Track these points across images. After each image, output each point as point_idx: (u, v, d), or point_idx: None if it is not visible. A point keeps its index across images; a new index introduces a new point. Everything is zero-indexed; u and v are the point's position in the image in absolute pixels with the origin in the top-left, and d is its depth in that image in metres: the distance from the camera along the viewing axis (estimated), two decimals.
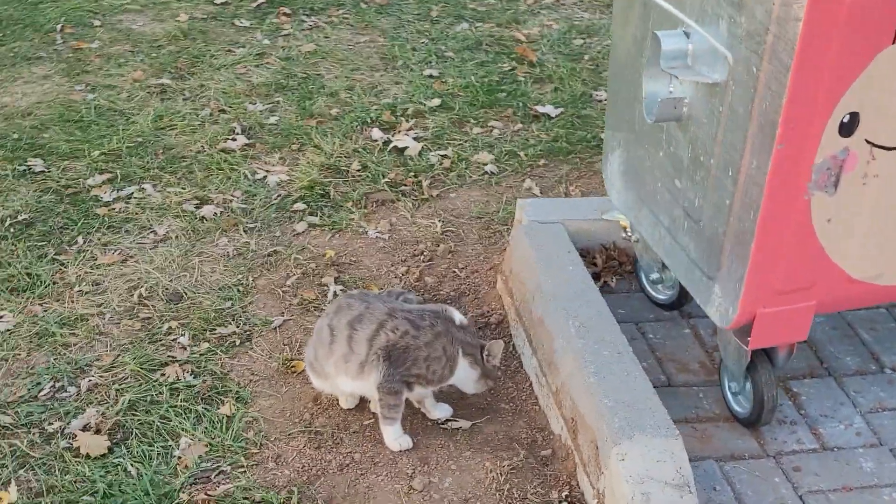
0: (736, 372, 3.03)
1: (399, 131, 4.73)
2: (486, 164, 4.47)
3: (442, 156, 4.54)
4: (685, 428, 3.06)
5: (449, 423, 3.15)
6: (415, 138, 4.67)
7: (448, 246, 3.96)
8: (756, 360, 2.97)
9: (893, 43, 2.49)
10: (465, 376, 3.11)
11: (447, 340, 3.01)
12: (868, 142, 2.62)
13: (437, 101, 4.98)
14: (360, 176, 4.40)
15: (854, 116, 2.56)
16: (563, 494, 2.88)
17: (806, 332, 2.90)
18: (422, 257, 3.90)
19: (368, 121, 4.82)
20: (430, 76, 5.27)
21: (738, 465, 2.94)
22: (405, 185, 4.34)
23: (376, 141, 4.66)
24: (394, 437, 3.03)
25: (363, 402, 3.17)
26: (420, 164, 4.47)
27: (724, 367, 3.09)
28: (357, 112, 4.88)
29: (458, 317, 3.08)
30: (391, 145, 4.62)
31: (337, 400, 3.19)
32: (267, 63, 5.43)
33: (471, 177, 4.42)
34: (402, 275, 3.81)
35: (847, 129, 2.57)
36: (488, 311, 3.60)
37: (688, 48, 2.84)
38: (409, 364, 2.95)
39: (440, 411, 3.17)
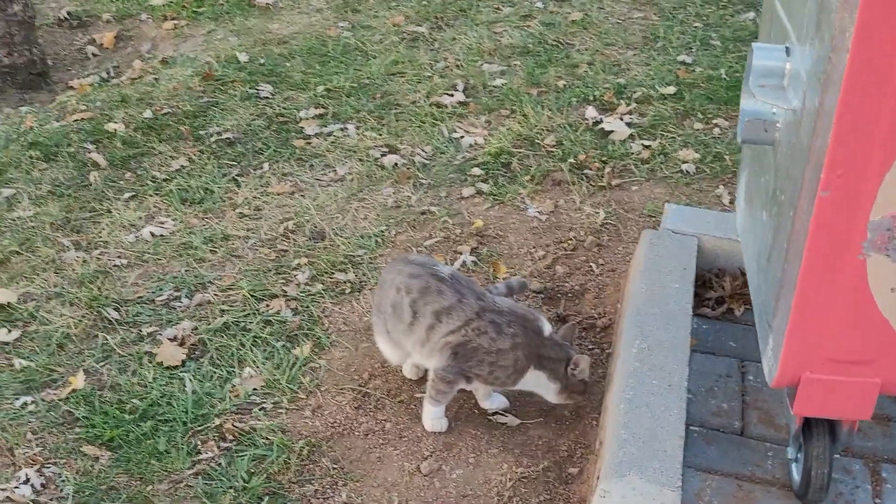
0: (791, 437, 2.69)
1: (615, 114, 4.54)
2: (685, 163, 4.20)
3: (645, 146, 4.32)
4: (730, 484, 2.77)
5: (497, 416, 3.05)
6: (627, 123, 4.47)
7: (598, 239, 3.78)
8: (814, 430, 2.61)
9: None
10: (543, 388, 2.99)
11: (522, 353, 2.90)
12: None
13: (671, 90, 4.72)
14: (551, 152, 4.28)
15: None
16: None
17: (869, 411, 2.51)
18: (566, 245, 3.76)
19: (591, 98, 4.67)
20: (682, 62, 4.99)
21: None
22: (590, 169, 4.18)
23: (587, 120, 4.50)
24: (432, 417, 3.00)
25: (426, 376, 3.13)
26: (618, 151, 4.28)
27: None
28: (583, 87, 4.73)
29: (546, 328, 2.96)
30: (599, 126, 4.44)
31: (399, 368, 3.16)
32: (526, 26, 5.39)
33: (664, 172, 4.17)
34: (539, 259, 3.70)
35: None
36: (600, 314, 3.43)
37: (785, 66, 2.51)
38: (474, 363, 2.88)
39: (493, 402, 3.08)
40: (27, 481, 2.77)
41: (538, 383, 2.96)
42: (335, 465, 2.87)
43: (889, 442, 2.90)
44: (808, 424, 2.62)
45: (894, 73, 2.05)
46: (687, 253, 3.30)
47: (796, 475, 2.73)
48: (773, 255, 2.53)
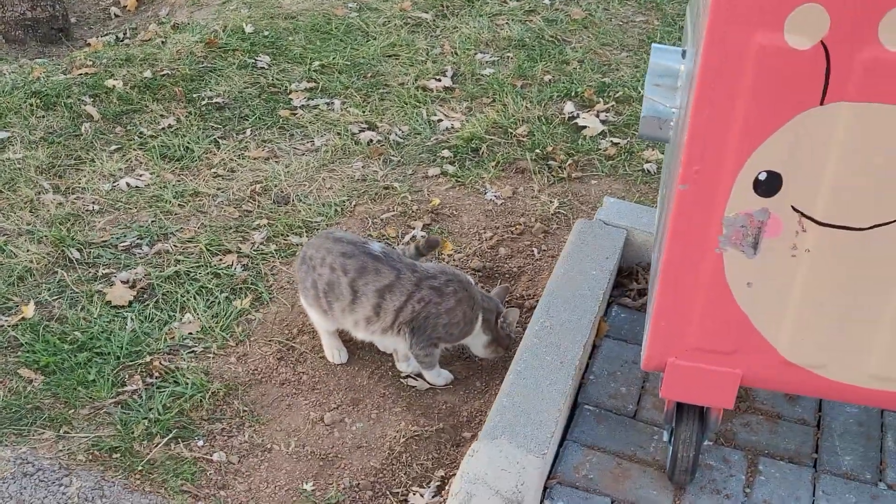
0: (664, 420, 2.84)
1: (592, 111, 4.68)
2: (647, 162, 4.33)
3: (613, 143, 4.46)
4: (610, 460, 2.93)
5: (408, 380, 3.22)
6: (602, 121, 4.61)
7: (545, 226, 3.94)
8: (684, 415, 2.76)
9: (821, 104, 2.19)
10: (476, 339, 3.19)
11: (468, 305, 3.10)
12: (795, 209, 2.34)
13: None
14: (521, 141, 4.44)
15: (773, 176, 2.31)
16: (444, 475, 2.88)
17: (731, 400, 2.65)
18: (514, 229, 3.92)
19: (572, 94, 4.81)
20: None
21: None
22: (554, 160, 4.33)
23: (564, 114, 4.65)
24: (434, 377, 3.21)
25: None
26: (586, 146, 4.43)
27: None
28: (567, 83, 4.88)
29: (472, 282, 3.17)
30: (574, 121, 4.59)
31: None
32: (528, 20, 5.54)
33: (625, 170, 4.31)
34: (485, 239, 3.86)
35: (765, 187, 2.33)
36: (530, 296, 3.58)
37: (679, 68, 2.66)
38: (431, 330, 3.07)
39: (406, 366, 3.25)
40: None
41: (475, 334, 3.15)
42: (245, 408, 3.07)
43: (773, 438, 3.02)
44: (680, 409, 2.76)
45: (743, 76, 2.19)
46: (612, 243, 3.44)
47: (668, 457, 2.87)
48: (656, 246, 2.68)
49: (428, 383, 3.18)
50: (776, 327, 2.50)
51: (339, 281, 3.02)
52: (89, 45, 5.32)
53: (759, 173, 2.30)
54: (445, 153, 4.34)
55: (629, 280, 3.54)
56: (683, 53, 2.67)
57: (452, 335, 3.08)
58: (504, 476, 2.61)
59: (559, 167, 4.27)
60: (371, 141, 4.40)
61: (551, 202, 4.06)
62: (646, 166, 4.31)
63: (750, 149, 2.28)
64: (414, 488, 2.84)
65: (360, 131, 4.47)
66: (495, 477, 2.61)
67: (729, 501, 2.83)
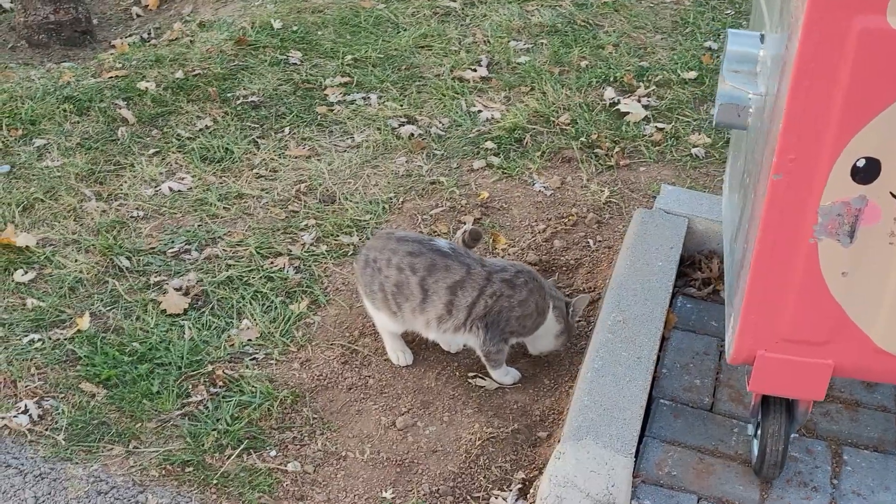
0: (751, 414, 2.77)
1: (633, 96, 4.61)
2: (695, 147, 4.26)
3: (658, 128, 4.39)
4: (691, 456, 2.86)
5: (476, 380, 3.16)
6: (644, 106, 4.54)
7: (599, 216, 3.87)
8: (771, 407, 2.70)
9: None
10: (547, 330, 3.12)
11: (539, 296, 3.05)
12: (895, 196, 2.27)
13: (693, 74, 4.78)
14: (564, 130, 4.37)
15: (872, 163, 2.23)
16: (524, 477, 2.82)
17: (821, 392, 2.59)
18: (567, 220, 3.86)
19: (611, 79, 4.74)
20: (708, 48, 5.04)
21: None
22: (600, 148, 4.26)
23: (605, 100, 4.58)
24: (502, 375, 3.15)
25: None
26: (631, 132, 4.36)
27: None
28: (605, 69, 4.81)
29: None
30: (615, 107, 4.52)
31: None
32: (558, 5, 5.46)
33: (673, 155, 4.24)
34: (539, 232, 3.80)
35: (863, 174, 2.25)
36: (591, 288, 3.52)
37: (758, 53, 2.59)
38: (504, 324, 3.01)
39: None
40: (26, 411, 2.95)
41: (549, 325, 3.09)
42: (315, 415, 3.01)
43: (855, 427, 2.96)
44: (766, 402, 2.70)
45: (843, 61, 2.12)
46: (675, 233, 3.37)
47: (756, 451, 2.81)
48: (738, 236, 2.61)
49: (496, 382, 3.12)
50: (871, 316, 2.43)
51: (409, 281, 2.96)
52: (114, 46, 5.25)
53: (858, 160, 2.23)
54: (489, 144, 4.27)
55: (691, 269, 3.47)
56: (762, 38, 2.59)
57: (525, 327, 3.02)
58: (593, 478, 2.56)
59: (606, 155, 4.21)
60: (412, 135, 4.33)
61: (602, 191, 3.99)
62: (693, 151, 4.24)
63: (848, 135, 2.21)
64: (495, 492, 2.78)
65: (400, 125, 4.40)
66: (584, 479, 2.55)
67: (818, 494, 2.77)
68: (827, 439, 2.94)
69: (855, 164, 2.24)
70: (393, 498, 2.76)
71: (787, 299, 2.43)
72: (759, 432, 2.76)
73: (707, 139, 4.31)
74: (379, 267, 3.02)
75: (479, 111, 4.51)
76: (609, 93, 4.61)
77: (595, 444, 2.63)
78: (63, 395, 3.04)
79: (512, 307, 2.98)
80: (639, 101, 4.57)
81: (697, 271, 3.44)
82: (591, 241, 3.74)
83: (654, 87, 4.68)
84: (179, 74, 4.70)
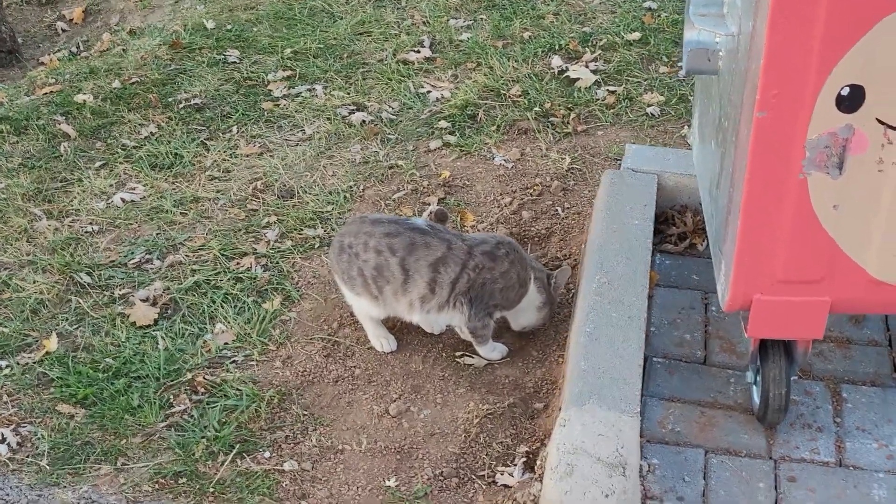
0: (749, 361, 2.73)
1: (580, 62, 4.56)
2: (650, 106, 4.23)
3: (610, 91, 4.35)
4: (692, 410, 2.83)
5: (464, 358, 3.09)
6: (593, 71, 4.50)
7: (563, 184, 3.82)
8: (770, 351, 2.66)
9: None
10: (529, 303, 3.05)
11: (521, 267, 2.99)
12: (881, 122, 2.24)
13: (636, 35, 4.75)
14: (516, 102, 4.31)
15: (856, 90, 2.21)
16: (527, 450, 2.76)
17: (820, 330, 2.56)
18: (532, 191, 3.80)
19: (556, 48, 4.69)
20: (647, 8, 5.01)
21: (727, 461, 2.68)
22: (555, 117, 4.21)
23: (553, 69, 4.53)
24: (489, 351, 3.08)
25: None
26: (583, 98, 4.31)
27: None
28: (548, 38, 4.76)
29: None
30: (565, 75, 4.47)
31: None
32: None
33: (629, 116, 4.20)
34: (505, 205, 3.73)
35: (848, 103, 2.22)
36: (566, 256, 3.47)
37: None
38: (488, 298, 2.94)
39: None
40: (3, 440, 2.82)
41: (531, 297, 3.03)
42: (305, 412, 2.92)
43: (849, 364, 2.95)
44: (764, 347, 2.66)
45: None
46: (647, 190, 3.33)
47: (756, 398, 2.78)
48: (721, 182, 2.57)
49: (484, 359, 3.05)
50: (865, 247, 2.41)
51: (388, 262, 2.88)
52: (43, 63, 5.09)
53: (842, 89, 2.21)
54: (443, 124, 4.20)
55: (666, 226, 3.44)
56: None
57: (509, 299, 2.96)
58: (602, 441, 2.51)
59: (562, 123, 4.16)
60: (364, 122, 4.25)
61: (563, 159, 3.95)
62: (648, 110, 4.22)
63: (830, 64, 2.18)
64: (499, 468, 2.72)
65: (350, 113, 4.32)
66: (593, 444, 2.50)
67: (823, 434, 2.75)
68: (824, 379, 2.92)
69: (839, 93, 2.21)
70: (397, 485, 2.69)
71: (780, 239, 2.40)
72: (758, 379, 2.73)
73: (660, 97, 4.29)
74: (356, 252, 2.94)
75: (428, 92, 4.44)
76: (556, 61, 4.57)
77: (599, 407, 2.58)
78: (40, 419, 2.92)
79: (495, 279, 2.92)
80: (587, 66, 4.53)
81: (672, 227, 3.41)
82: (559, 209, 3.69)
83: (599, 51, 4.64)
84: (116, 84, 4.56)
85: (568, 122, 4.15)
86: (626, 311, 2.84)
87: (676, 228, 3.39)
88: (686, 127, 4.09)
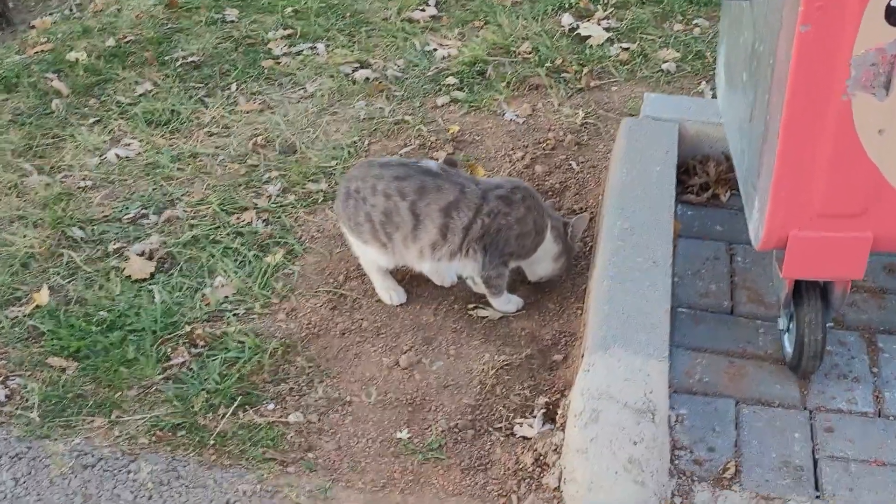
0: (782, 306, 2.57)
1: (592, 20, 4.40)
2: (665, 62, 4.07)
3: (624, 48, 4.19)
4: (720, 361, 2.67)
5: (477, 311, 2.93)
6: (605, 28, 4.33)
7: (577, 138, 3.66)
8: (805, 295, 2.50)
9: None
10: (546, 252, 2.89)
11: (537, 213, 2.83)
12: None
13: None
14: (527, 58, 4.15)
15: None
16: (547, 401, 2.59)
17: (861, 269, 2.40)
18: (545, 145, 3.64)
19: (566, 6, 4.53)
20: None
21: (759, 411, 2.52)
22: (567, 72, 4.05)
23: (563, 27, 4.37)
24: (504, 303, 2.91)
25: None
26: (596, 54, 4.15)
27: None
28: None
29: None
30: (576, 32, 4.31)
31: None
32: None
33: (644, 73, 4.04)
34: (517, 160, 3.57)
35: None
36: (582, 209, 3.31)
37: None
38: (503, 245, 2.78)
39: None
40: None
41: (547, 246, 2.88)
42: (310, 364, 2.77)
43: (884, 314, 2.80)
44: (798, 290, 2.50)
45: None
46: (668, 137, 3.18)
47: (788, 346, 2.62)
48: (754, 114, 2.41)
49: (499, 311, 2.89)
50: None
51: (398, 207, 2.71)
52: (34, 27, 4.90)
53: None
54: (450, 80, 4.05)
55: (687, 176, 3.28)
56: None
57: (525, 247, 2.80)
58: (629, 386, 2.34)
59: (575, 78, 4.00)
60: (368, 79, 4.09)
61: (576, 113, 3.79)
62: (664, 66, 4.06)
63: None
64: (517, 420, 2.56)
65: (354, 71, 4.16)
66: (619, 389, 2.34)
67: (859, 384, 2.59)
68: (858, 329, 2.77)
69: (889, 4, 2.05)
70: (409, 437, 2.53)
71: (821, 168, 2.25)
72: (791, 325, 2.57)
73: (676, 53, 4.13)
74: (363, 196, 2.78)
75: (435, 49, 4.28)
76: (567, 19, 4.41)
77: (625, 351, 2.42)
78: (30, 372, 2.76)
79: (510, 225, 2.75)
80: (598, 24, 4.36)
81: (694, 177, 3.24)
82: (573, 164, 3.53)
83: (612, 9, 4.48)
84: (111, 42, 4.41)
85: (581, 78, 3.99)
86: (651, 256, 2.68)
87: (699, 178, 3.23)
88: (703, 83, 3.93)
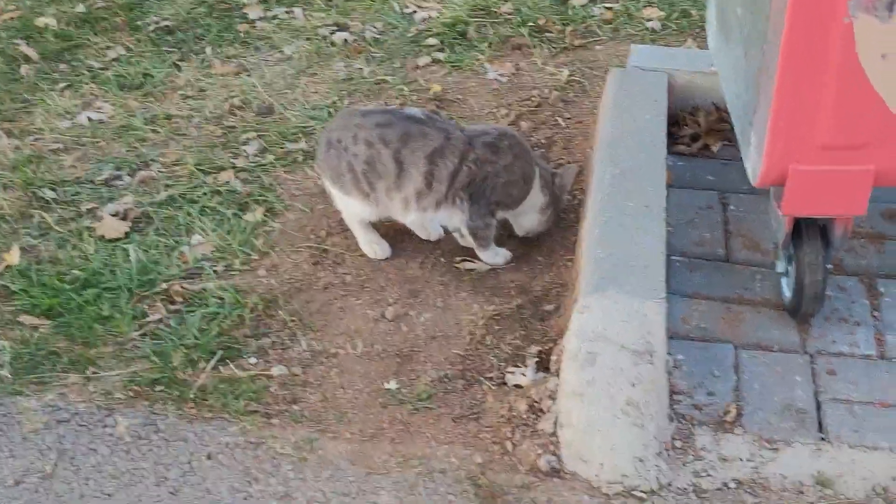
0: (780, 247, 2.49)
1: None
2: (650, 20, 3.99)
3: (607, 8, 4.10)
4: (717, 307, 2.59)
5: (464, 264, 2.84)
6: None
7: (563, 95, 3.58)
8: (805, 234, 2.42)
9: None
10: (532, 204, 2.79)
11: (525, 161, 2.74)
12: None
13: None
14: (508, 19, 4.06)
15: None
16: (540, 350, 2.50)
17: (863, 205, 2.33)
18: (530, 102, 3.56)
19: None
20: None
21: (759, 356, 2.44)
22: (550, 32, 3.96)
23: None
24: (492, 256, 2.83)
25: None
26: (579, 14, 4.07)
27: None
28: None
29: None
30: None
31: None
32: None
33: (628, 31, 3.96)
34: (502, 117, 3.48)
35: None
36: (570, 162, 3.21)
37: None
38: (489, 193, 2.69)
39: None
40: None
41: (533, 198, 2.78)
42: (293, 318, 2.67)
43: (883, 258, 2.73)
44: (797, 230, 2.42)
45: None
46: (657, 87, 3.10)
47: (787, 290, 2.55)
48: (750, 48, 2.32)
49: (487, 264, 2.80)
50: None
51: (381, 155, 2.62)
52: None
53: None
54: (431, 41, 3.96)
55: (677, 128, 3.20)
56: None
57: (512, 196, 2.71)
58: (626, 328, 2.26)
59: (558, 38, 3.92)
60: (346, 41, 3.99)
61: (560, 72, 3.71)
62: (649, 24, 3.98)
63: None
64: (509, 369, 2.47)
65: (332, 33, 4.05)
66: (616, 331, 2.25)
67: (861, 328, 2.52)
68: (858, 274, 2.69)
69: None
70: (398, 388, 2.44)
71: (821, 97, 2.17)
72: (790, 268, 2.49)
73: (660, 12, 4.05)
74: (345, 146, 2.68)
75: (414, 12, 4.19)
76: None
77: (620, 293, 2.34)
78: (0, 330, 2.63)
79: (497, 173, 2.66)
80: None
81: (685, 127, 3.16)
82: (559, 119, 3.46)
83: None
84: (81, 8, 4.29)
85: (564, 37, 3.90)
86: (644, 201, 2.60)
87: (689, 129, 3.15)
88: (689, 39, 3.86)
